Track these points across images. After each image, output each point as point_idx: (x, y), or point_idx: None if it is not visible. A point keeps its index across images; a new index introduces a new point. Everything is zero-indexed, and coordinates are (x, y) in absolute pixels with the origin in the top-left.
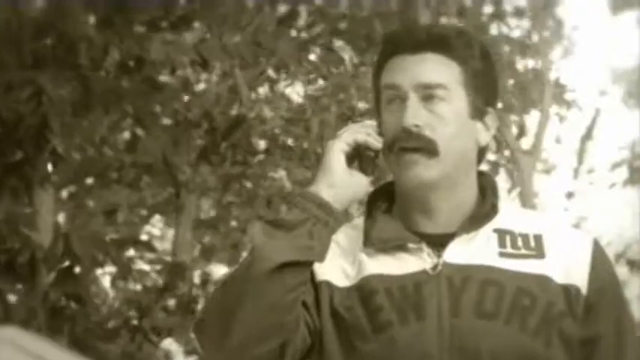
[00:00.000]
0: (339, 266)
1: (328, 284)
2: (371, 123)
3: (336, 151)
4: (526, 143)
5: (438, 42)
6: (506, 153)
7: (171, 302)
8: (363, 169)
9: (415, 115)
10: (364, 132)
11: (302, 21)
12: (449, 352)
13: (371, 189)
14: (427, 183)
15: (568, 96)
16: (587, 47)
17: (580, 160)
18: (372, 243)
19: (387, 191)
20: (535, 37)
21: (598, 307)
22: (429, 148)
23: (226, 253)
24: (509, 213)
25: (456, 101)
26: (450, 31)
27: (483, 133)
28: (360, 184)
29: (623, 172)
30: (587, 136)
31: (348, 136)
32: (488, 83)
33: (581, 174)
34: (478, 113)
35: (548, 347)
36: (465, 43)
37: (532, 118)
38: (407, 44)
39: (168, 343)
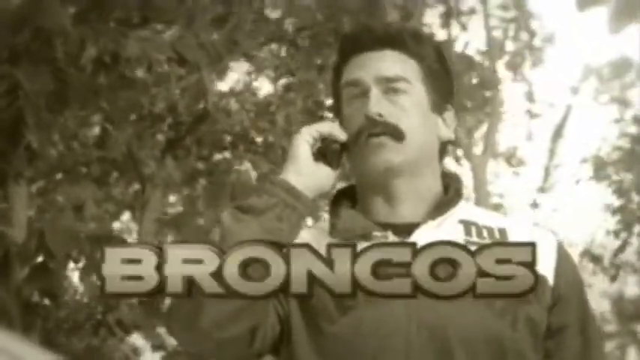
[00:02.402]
0: None
1: None
2: (334, 121)
3: (301, 142)
4: (479, 143)
5: (396, 40)
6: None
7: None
8: (328, 162)
9: (378, 104)
10: (327, 125)
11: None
12: (417, 330)
13: (336, 182)
14: (394, 166)
15: (538, 94)
16: (558, 44)
17: (551, 158)
18: (338, 232)
19: (350, 193)
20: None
21: (566, 299)
22: (394, 134)
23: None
24: (474, 209)
25: (416, 94)
26: (406, 30)
27: (444, 129)
28: (325, 176)
29: (592, 169)
30: (558, 133)
31: (311, 128)
32: (444, 82)
33: (552, 171)
34: (438, 108)
35: (514, 329)
36: (419, 43)
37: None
38: (365, 43)
39: (136, 339)
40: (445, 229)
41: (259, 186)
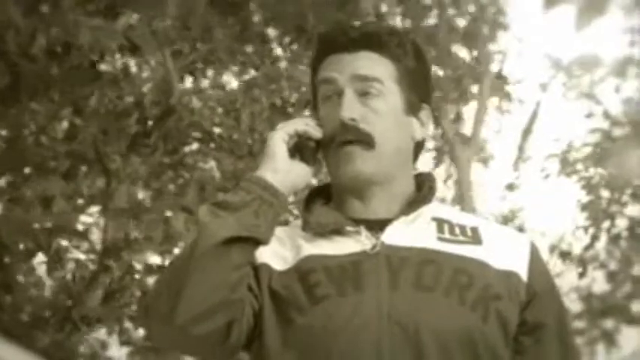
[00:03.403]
0: (276, 252)
1: (267, 267)
2: (310, 117)
3: (278, 140)
4: (464, 133)
5: (372, 40)
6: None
7: (101, 290)
8: (304, 159)
9: (351, 108)
10: (303, 123)
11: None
12: (388, 324)
13: (312, 179)
14: (364, 176)
15: (509, 89)
16: (528, 40)
17: (520, 153)
18: (311, 227)
19: (324, 191)
20: (475, 28)
21: (541, 296)
22: (365, 141)
23: (157, 243)
24: (447, 209)
25: (390, 97)
26: (383, 29)
27: (418, 129)
28: (301, 173)
29: (561, 164)
30: (528, 129)
31: (288, 126)
32: (422, 80)
33: (520, 166)
34: (413, 109)
35: (485, 322)
36: (397, 42)
37: (471, 109)
38: (341, 43)
39: (103, 334)
40: (418, 225)
41: (228, 183)
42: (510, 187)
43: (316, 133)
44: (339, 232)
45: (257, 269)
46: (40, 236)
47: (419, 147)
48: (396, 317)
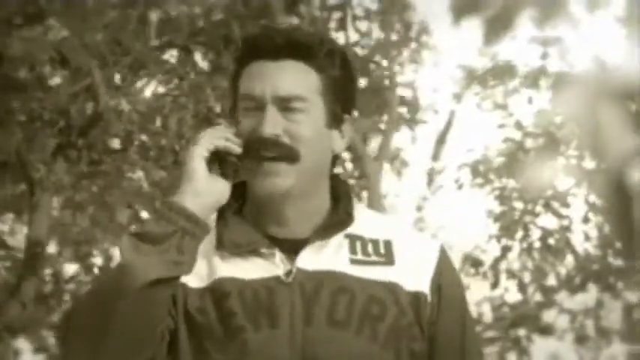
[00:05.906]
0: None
1: (183, 286)
2: (229, 127)
3: (197, 159)
4: (373, 148)
5: (298, 49)
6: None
7: (25, 299)
8: (224, 174)
9: (274, 124)
10: (223, 137)
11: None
12: (300, 359)
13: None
14: (283, 192)
15: (421, 100)
16: (440, 50)
17: (434, 163)
18: (225, 246)
19: (236, 190)
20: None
21: (445, 311)
22: (289, 155)
23: (78, 251)
24: (361, 217)
25: (313, 111)
26: (311, 38)
27: (339, 142)
28: (222, 190)
29: (474, 174)
30: (441, 139)
31: (207, 142)
32: (346, 91)
33: (434, 177)
34: (335, 122)
35: (397, 358)
36: (326, 52)
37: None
38: (266, 50)
39: (17, 342)
40: (331, 246)
41: (157, 209)
42: (424, 195)
43: (236, 148)
44: (253, 251)
45: None
46: None
47: (335, 158)
48: (310, 356)
